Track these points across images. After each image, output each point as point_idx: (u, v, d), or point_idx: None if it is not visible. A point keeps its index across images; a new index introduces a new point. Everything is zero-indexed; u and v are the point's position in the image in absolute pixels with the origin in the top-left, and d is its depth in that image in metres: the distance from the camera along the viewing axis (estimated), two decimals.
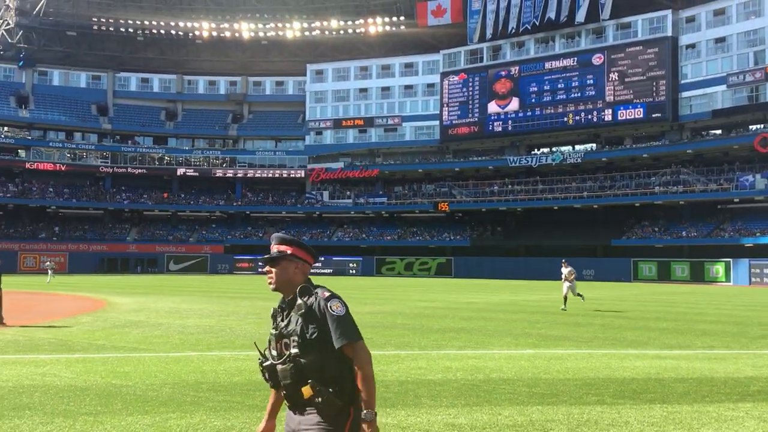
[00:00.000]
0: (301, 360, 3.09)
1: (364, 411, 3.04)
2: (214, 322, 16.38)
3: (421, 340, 13.20)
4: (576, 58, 64.78)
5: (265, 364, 3.20)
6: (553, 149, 67.14)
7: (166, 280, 49.97)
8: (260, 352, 3.28)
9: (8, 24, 74.11)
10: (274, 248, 3.31)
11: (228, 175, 76.68)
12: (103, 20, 75.63)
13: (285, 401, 3.23)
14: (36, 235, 68.14)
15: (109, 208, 73.04)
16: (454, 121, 70.64)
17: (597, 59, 63.65)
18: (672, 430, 6.40)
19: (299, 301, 3.16)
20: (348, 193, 74.56)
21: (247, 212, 76.13)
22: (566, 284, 20.93)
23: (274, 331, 3.24)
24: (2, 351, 11.27)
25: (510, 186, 67.17)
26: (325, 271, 63.14)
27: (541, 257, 58.56)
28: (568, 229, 61.42)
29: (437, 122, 71.83)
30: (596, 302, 25.85)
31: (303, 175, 76.01)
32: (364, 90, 75.37)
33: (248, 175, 76.82)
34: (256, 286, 39.87)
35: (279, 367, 3.13)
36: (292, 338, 3.12)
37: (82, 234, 70.25)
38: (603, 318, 18.54)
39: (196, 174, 76.48)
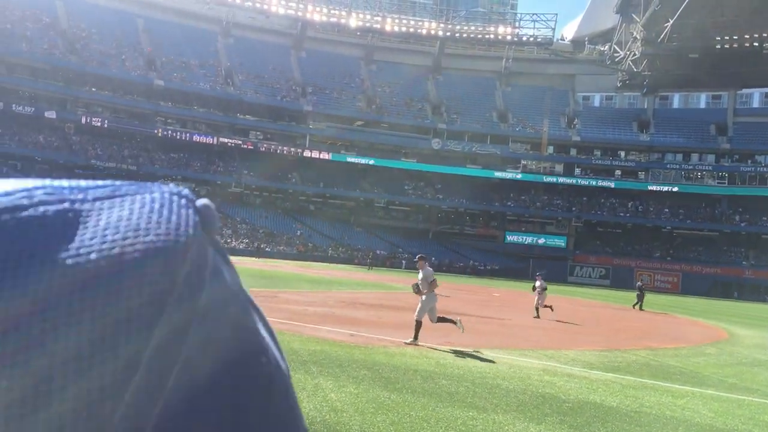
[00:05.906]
0: None
1: None
2: None
3: None
4: None
5: None
6: None
7: None
8: None
9: (635, 54, 79.43)
10: None
11: None
12: (726, 38, 73.95)
13: None
14: (651, 254, 71.14)
15: (724, 230, 70.94)
16: None
17: None
18: None
19: None
20: None
21: None
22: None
23: None
24: (637, 374, 12.11)
25: None
26: None
27: None
28: None
29: None
30: None
31: None
32: None
33: None
34: None
35: None
36: None
37: (696, 255, 70.16)
38: None
39: None
